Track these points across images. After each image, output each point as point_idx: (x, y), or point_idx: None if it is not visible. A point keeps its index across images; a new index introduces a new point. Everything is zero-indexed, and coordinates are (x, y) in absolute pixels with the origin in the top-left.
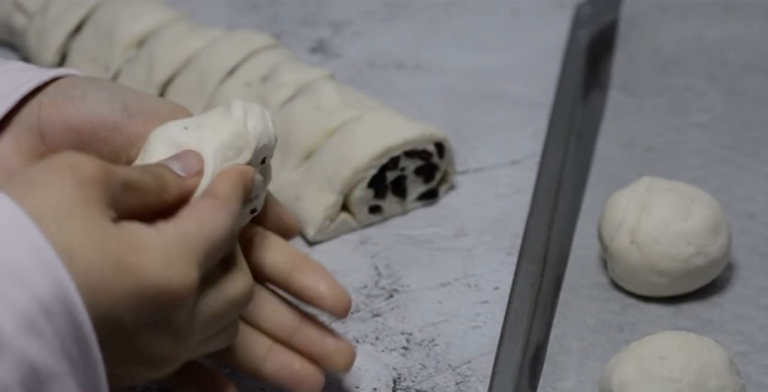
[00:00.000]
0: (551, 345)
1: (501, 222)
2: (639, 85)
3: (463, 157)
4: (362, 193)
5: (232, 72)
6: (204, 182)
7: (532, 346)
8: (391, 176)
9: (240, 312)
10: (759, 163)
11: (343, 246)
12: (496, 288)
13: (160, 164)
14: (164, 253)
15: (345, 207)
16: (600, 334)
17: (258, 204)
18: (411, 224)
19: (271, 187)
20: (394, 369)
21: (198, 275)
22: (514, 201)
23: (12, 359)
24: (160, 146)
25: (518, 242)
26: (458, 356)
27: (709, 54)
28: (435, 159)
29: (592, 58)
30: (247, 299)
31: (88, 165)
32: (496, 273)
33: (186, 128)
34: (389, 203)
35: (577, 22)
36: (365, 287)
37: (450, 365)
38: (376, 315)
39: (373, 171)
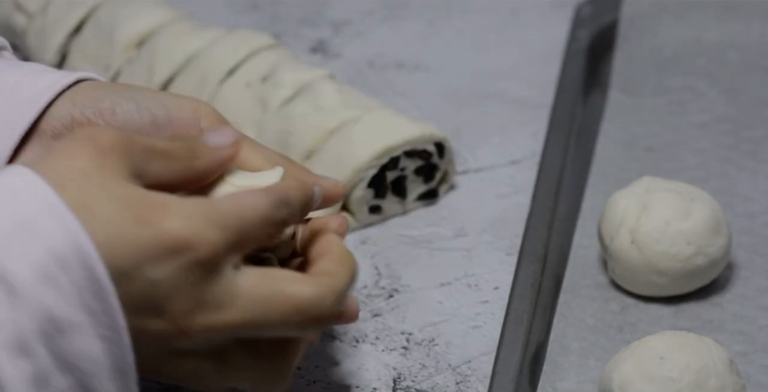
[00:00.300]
0: (551, 345)
1: (501, 222)
2: (639, 85)
3: (463, 157)
4: (362, 193)
5: (232, 72)
6: None
7: (532, 346)
8: (391, 176)
9: (305, 332)
10: (759, 163)
11: None
12: (496, 288)
13: (192, 135)
14: (186, 210)
15: (345, 207)
16: (600, 334)
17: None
18: (411, 224)
19: None
20: (394, 369)
21: (223, 238)
22: (514, 201)
23: (30, 308)
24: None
25: (518, 242)
26: (458, 356)
27: (709, 54)
28: (435, 159)
29: (592, 58)
30: (312, 310)
31: (106, 135)
32: (496, 273)
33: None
34: (389, 203)
35: (577, 22)
36: (365, 287)
37: (450, 365)
38: (376, 315)
39: (373, 171)
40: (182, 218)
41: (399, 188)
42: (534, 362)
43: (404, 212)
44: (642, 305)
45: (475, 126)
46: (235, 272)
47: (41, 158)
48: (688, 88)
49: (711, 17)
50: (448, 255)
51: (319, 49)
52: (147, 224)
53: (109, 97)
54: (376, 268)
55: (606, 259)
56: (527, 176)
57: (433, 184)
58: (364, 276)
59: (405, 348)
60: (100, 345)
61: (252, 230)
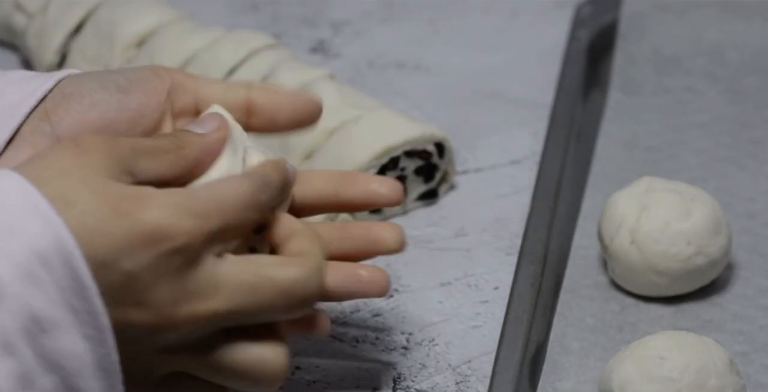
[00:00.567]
0: (551, 345)
1: (501, 222)
2: (639, 85)
3: (463, 157)
4: None
5: (232, 72)
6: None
7: (532, 346)
8: (391, 176)
9: (292, 312)
10: (759, 163)
11: None
12: (496, 288)
13: (178, 129)
14: (163, 201)
15: None
16: (600, 334)
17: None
18: (411, 224)
19: None
20: (394, 369)
21: (201, 225)
22: (514, 201)
23: (12, 307)
24: None
25: (518, 242)
26: (458, 356)
27: (709, 54)
28: (435, 159)
29: (592, 58)
30: (296, 291)
31: (89, 138)
32: (496, 273)
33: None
34: None
35: (577, 22)
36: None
37: (450, 365)
38: (376, 315)
39: (373, 171)
40: (158, 208)
41: None
42: (534, 362)
43: (404, 212)
44: (642, 305)
45: (475, 126)
46: (218, 261)
47: (26, 160)
48: (688, 89)
49: (711, 17)
50: (448, 255)
51: (319, 49)
52: (124, 215)
53: (74, 82)
54: None
55: (606, 259)
56: (527, 176)
57: (433, 184)
58: None
59: (405, 348)
60: (83, 344)
61: (234, 216)
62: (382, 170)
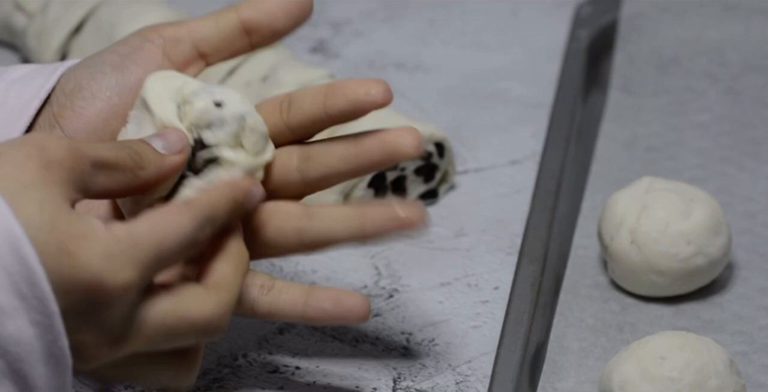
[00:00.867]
0: (551, 345)
1: (501, 222)
2: (639, 85)
3: (463, 157)
4: (362, 193)
5: (232, 72)
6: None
7: (532, 346)
8: (390, 176)
9: (200, 342)
10: (759, 163)
11: None
12: (496, 288)
13: (140, 141)
14: (105, 247)
15: None
16: (600, 334)
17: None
18: None
19: None
20: (394, 369)
21: (138, 277)
22: (514, 201)
23: None
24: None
25: (518, 242)
26: (458, 356)
27: (709, 54)
28: (435, 159)
29: (592, 58)
30: (210, 327)
31: (56, 146)
32: (496, 273)
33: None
34: None
35: (577, 22)
36: (365, 287)
37: (450, 365)
38: (376, 315)
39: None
40: (101, 257)
41: (399, 188)
42: (534, 362)
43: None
44: (642, 305)
45: (475, 126)
46: (144, 304)
47: None
48: (688, 88)
49: (711, 17)
50: (448, 255)
51: (319, 49)
52: (67, 255)
53: (72, 76)
54: (376, 268)
55: (606, 259)
56: (527, 176)
57: (433, 184)
58: (364, 276)
59: (405, 348)
60: (31, 330)
61: (169, 255)
62: (382, 170)
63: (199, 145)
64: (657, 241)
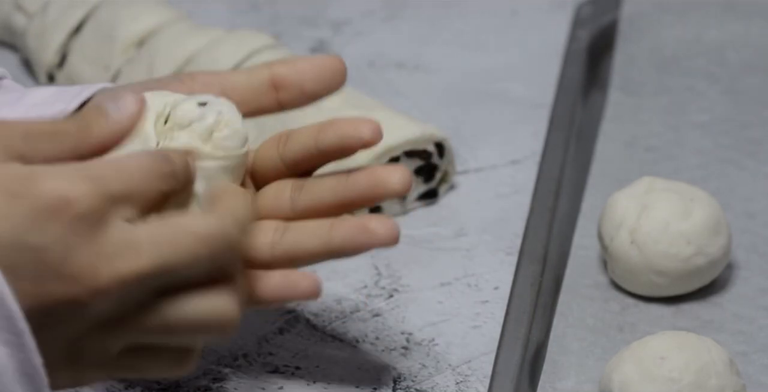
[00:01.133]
0: (551, 345)
1: (501, 222)
2: (639, 85)
3: (463, 157)
4: None
5: None
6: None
7: (532, 346)
8: None
9: (207, 268)
10: (759, 163)
11: None
12: (496, 288)
13: (91, 106)
14: (56, 172)
15: None
16: (600, 334)
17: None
18: (411, 224)
19: None
20: (394, 369)
21: (101, 189)
22: (514, 201)
23: None
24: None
25: (518, 242)
26: (458, 356)
27: (709, 54)
28: (435, 159)
29: (592, 58)
30: (215, 245)
31: None
32: (496, 273)
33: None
34: (389, 203)
35: (577, 22)
36: (365, 287)
37: (450, 365)
38: (376, 315)
39: None
40: (52, 179)
41: None
42: (534, 362)
43: (404, 212)
44: (642, 305)
45: (475, 126)
46: (130, 224)
47: None
48: (688, 88)
49: (711, 17)
50: (448, 255)
51: (319, 49)
52: (18, 195)
53: (95, 101)
54: (376, 268)
55: (606, 259)
56: (527, 176)
57: (433, 184)
58: (364, 276)
59: (405, 348)
60: (2, 349)
61: (136, 182)
62: None
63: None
64: (657, 241)
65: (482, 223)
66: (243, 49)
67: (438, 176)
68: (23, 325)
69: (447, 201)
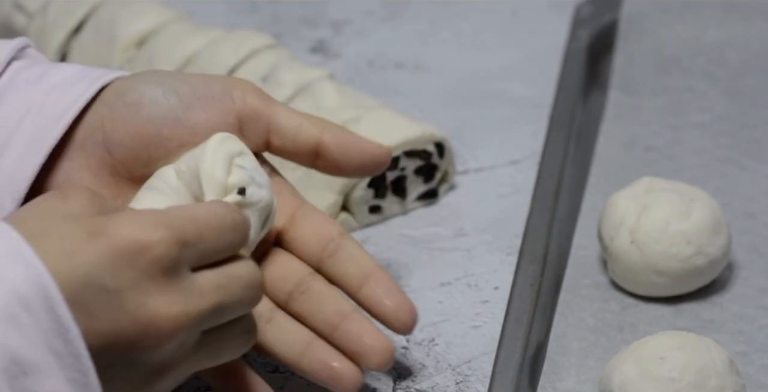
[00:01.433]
0: (551, 345)
1: (501, 222)
2: (639, 85)
3: (463, 157)
4: (362, 193)
5: (232, 72)
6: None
7: (532, 346)
8: (391, 176)
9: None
10: (759, 163)
11: None
12: (496, 288)
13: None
14: (135, 217)
15: (345, 207)
16: (600, 334)
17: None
18: (411, 224)
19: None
20: (394, 369)
21: (175, 235)
22: (514, 201)
23: None
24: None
25: (518, 242)
26: (458, 356)
27: (709, 54)
28: (435, 159)
29: (592, 58)
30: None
31: (76, 191)
32: (496, 273)
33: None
34: (389, 203)
35: (577, 22)
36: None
37: (450, 365)
38: None
39: None
40: (130, 223)
41: (399, 188)
42: (534, 362)
43: (404, 212)
44: (642, 305)
45: (475, 126)
46: (194, 273)
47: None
48: (688, 88)
49: (711, 17)
50: (448, 255)
51: (319, 49)
52: (99, 235)
53: (136, 87)
54: None
55: (606, 259)
56: (527, 176)
57: (433, 184)
58: None
59: (405, 348)
60: (68, 387)
61: (206, 229)
62: None
63: None
64: (657, 241)
65: (482, 223)
66: (243, 49)
67: (438, 176)
68: (89, 364)
69: (447, 201)
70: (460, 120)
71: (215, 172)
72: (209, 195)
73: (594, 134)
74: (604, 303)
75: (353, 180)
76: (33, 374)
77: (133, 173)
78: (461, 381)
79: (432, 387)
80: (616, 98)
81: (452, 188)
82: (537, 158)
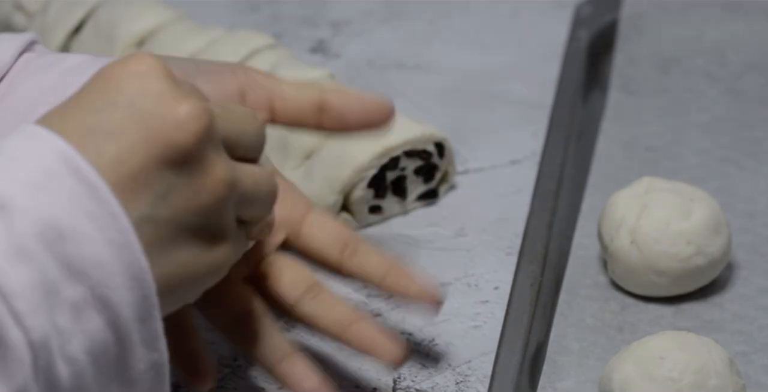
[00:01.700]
0: (551, 345)
1: (501, 222)
2: (639, 85)
3: (463, 157)
4: (362, 193)
5: None
6: None
7: (532, 346)
8: (391, 176)
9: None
10: (759, 163)
11: None
12: (496, 288)
13: None
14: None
15: (345, 207)
16: (600, 334)
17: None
18: (411, 224)
19: None
20: (394, 369)
21: (206, 108)
22: (514, 201)
23: (24, 215)
24: None
25: (518, 242)
26: (458, 356)
27: (709, 54)
28: (435, 159)
29: (592, 58)
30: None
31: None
32: (496, 273)
33: None
34: (389, 203)
35: (577, 22)
36: (365, 287)
37: (450, 365)
38: (377, 315)
39: (373, 171)
40: (157, 98)
41: (399, 188)
42: (534, 362)
43: (404, 212)
44: (642, 305)
45: (475, 126)
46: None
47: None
48: (688, 89)
49: (711, 17)
50: (448, 255)
51: (319, 49)
52: (124, 106)
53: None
54: None
55: (606, 259)
56: (527, 176)
57: (433, 184)
58: None
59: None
60: (108, 250)
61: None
62: (382, 170)
63: None
64: (657, 241)
65: (482, 223)
66: (243, 49)
67: (438, 176)
68: (126, 222)
69: (447, 201)
70: (460, 120)
71: None
72: None
73: (594, 134)
74: (604, 303)
75: (353, 180)
76: (71, 238)
77: None
78: (461, 381)
79: (432, 387)
80: (616, 98)
81: (452, 188)
82: (537, 158)
